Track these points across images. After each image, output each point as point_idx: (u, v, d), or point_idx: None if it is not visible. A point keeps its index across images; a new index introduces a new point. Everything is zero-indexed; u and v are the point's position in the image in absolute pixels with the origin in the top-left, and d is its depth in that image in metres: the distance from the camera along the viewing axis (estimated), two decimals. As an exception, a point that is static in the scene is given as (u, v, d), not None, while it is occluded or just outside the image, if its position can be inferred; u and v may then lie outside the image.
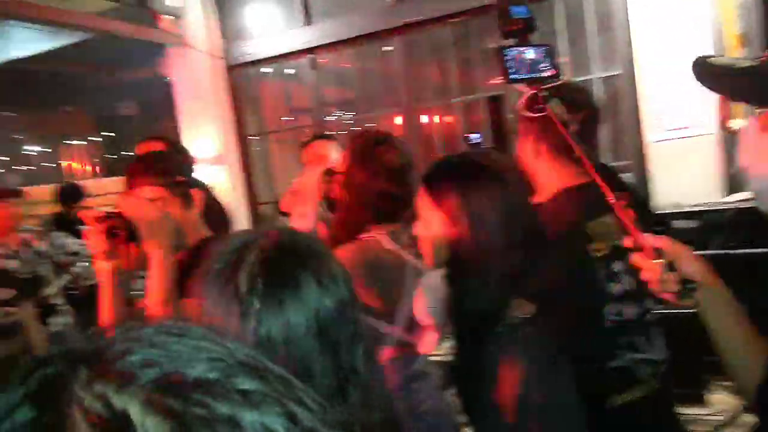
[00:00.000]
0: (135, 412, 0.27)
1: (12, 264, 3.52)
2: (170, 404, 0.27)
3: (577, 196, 1.48)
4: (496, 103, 4.64)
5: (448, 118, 5.26)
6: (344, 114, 5.55)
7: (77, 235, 4.08)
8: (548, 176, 1.53)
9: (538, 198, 1.55)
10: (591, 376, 1.23)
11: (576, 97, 1.51)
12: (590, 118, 1.52)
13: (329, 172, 1.82)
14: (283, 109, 5.88)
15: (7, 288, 2.63)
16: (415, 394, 1.78)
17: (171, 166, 1.61)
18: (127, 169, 1.58)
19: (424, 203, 1.18)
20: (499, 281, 1.12)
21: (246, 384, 0.30)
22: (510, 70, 1.04)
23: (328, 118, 5.48)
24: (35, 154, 13.04)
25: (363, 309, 1.67)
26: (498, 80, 1.01)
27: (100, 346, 0.32)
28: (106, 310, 1.48)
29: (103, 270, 1.49)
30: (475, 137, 2.17)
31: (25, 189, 5.49)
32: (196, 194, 1.62)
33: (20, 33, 5.62)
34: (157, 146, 2.33)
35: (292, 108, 5.78)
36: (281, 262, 0.73)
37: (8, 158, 12.24)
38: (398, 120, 5.28)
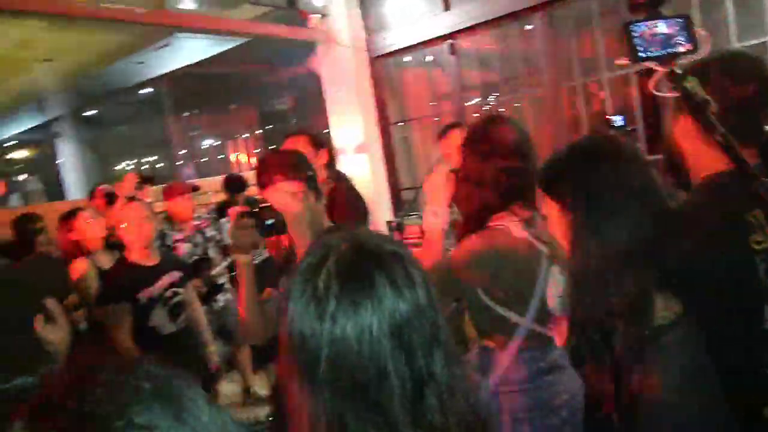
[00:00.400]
0: None
1: (186, 247, 3.97)
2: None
3: (736, 181, 1.30)
4: (647, 77, 4.28)
5: (597, 96, 4.93)
6: (486, 97, 5.44)
7: None
8: (702, 158, 1.36)
9: (692, 182, 1.40)
10: (744, 384, 1.09)
11: (740, 67, 1.33)
12: (762, 90, 1.33)
13: (455, 170, 1.80)
14: (424, 96, 5.92)
15: (177, 270, 2.96)
16: (549, 387, 1.70)
17: (304, 162, 1.70)
18: (262, 165, 1.68)
19: (543, 203, 1.12)
20: (636, 271, 1.01)
21: None
22: (638, 48, 0.94)
23: (469, 103, 5.42)
24: (208, 148, 14.49)
25: (496, 300, 1.64)
26: (623, 61, 0.92)
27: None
28: (242, 302, 1.60)
29: (240, 263, 1.61)
30: (617, 119, 2.00)
31: (198, 180, 6.13)
32: (323, 187, 1.69)
33: (187, 43, 6.30)
34: (300, 141, 2.47)
35: (433, 94, 5.79)
36: (358, 264, 0.74)
37: (186, 152, 13.73)
38: (543, 100, 5.06)
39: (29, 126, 13.18)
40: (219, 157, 14.22)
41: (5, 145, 15.16)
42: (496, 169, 1.66)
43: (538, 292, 1.68)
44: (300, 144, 2.48)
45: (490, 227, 1.67)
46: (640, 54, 0.96)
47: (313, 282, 0.73)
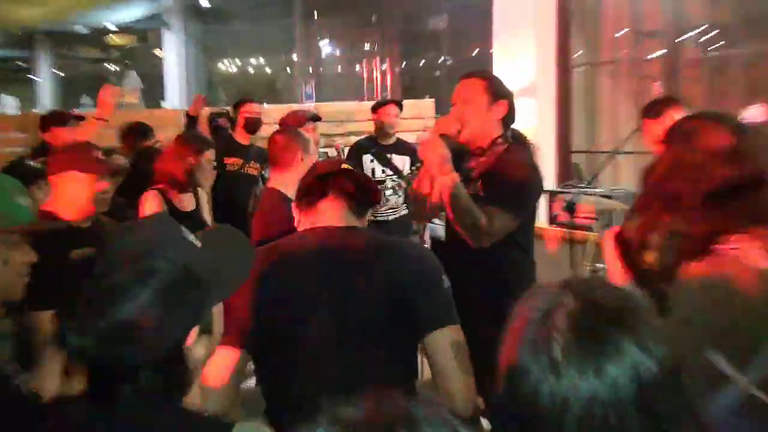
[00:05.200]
0: None
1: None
2: None
3: None
4: None
5: None
6: (709, 43, 5.11)
7: (387, 163, 4.75)
8: None
9: None
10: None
11: None
12: None
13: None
14: (622, 35, 5.66)
15: None
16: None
17: None
18: None
19: None
20: None
21: None
22: None
23: (685, 47, 5.11)
24: (336, 62, 14.90)
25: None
26: None
27: None
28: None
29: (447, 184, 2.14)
30: None
31: (323, 105, 6.35)
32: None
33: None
34: (476, 85, 2.50)
35: (635, 31, 5.54)
36: (596, 325, 0.82)
37: (311, 64, 14.18)
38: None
39: (136, 15, 14.26)
40: (354, 77, 14.54)
41: (105, 30, 16.45)
42: (715, 180, 1.61)
43: None
44: (475, 89, 2.47)
45: (717, 251, 1.61)
46: None
47: (546, 351, 0.82)
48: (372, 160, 4.83)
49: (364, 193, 1.86)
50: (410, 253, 1.86)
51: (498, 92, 2.50)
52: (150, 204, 3.26)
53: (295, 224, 1.90)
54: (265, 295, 1.71)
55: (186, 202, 3.42)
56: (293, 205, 1.93)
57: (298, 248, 1.82)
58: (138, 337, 1.01)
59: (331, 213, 1.81)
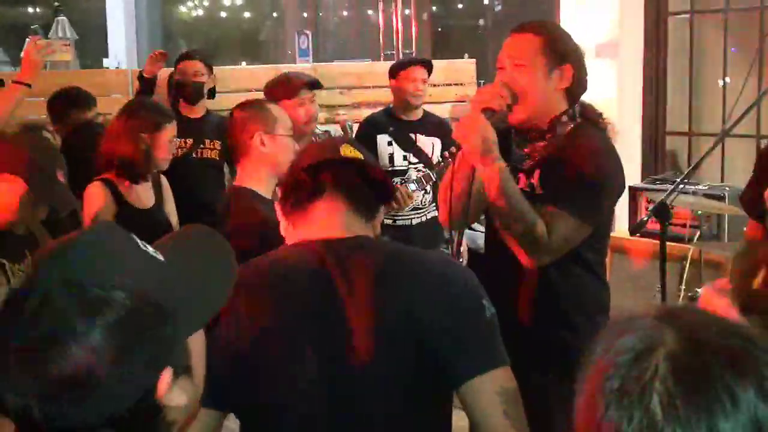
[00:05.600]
0: None
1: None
2: None
3: None
4: None
5: None
6: None
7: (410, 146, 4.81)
8: None
9: None
10: None
11: None
12: None
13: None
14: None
15: None
16: None
17: None
18: None
19: None
20: None
21: None
22: None
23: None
24: (347, 8, 14.94)
25: None
26: None
27: None
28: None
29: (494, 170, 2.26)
30: None
31: (314, 67, 6.37)
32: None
33: None
34: (533, 42, 2.51)
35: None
36: (705, 371, 0.83)
37: (308, 11, 14.24)
38: None
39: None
40: (350, 19, 14.57)
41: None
42: None
43: None
44: (531, 48, 2.46)
45: None
46: None
47: (640, 407, 0.83)
48: (390, 143, 4.86)
49: (372, 187, 1.82)
50: (439, 271, 1.80)
51: (563, 52, 2.51)
52: (95, 200, 3.31)
53: (282, 231, 1.88)
54: (236, 339, 1.69)
55: (142, 196, 3.50)
56: (277, 206, 1.90)
57: (279, 272, 1.79)
58: (90, 390, 1.00)
59: (327, 218, 1.78)
